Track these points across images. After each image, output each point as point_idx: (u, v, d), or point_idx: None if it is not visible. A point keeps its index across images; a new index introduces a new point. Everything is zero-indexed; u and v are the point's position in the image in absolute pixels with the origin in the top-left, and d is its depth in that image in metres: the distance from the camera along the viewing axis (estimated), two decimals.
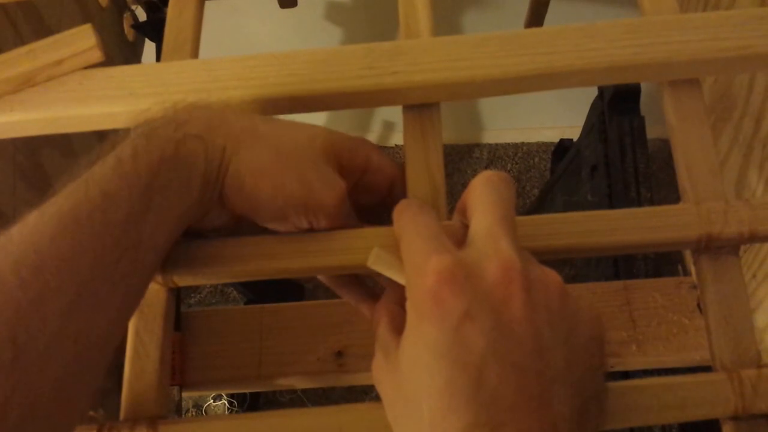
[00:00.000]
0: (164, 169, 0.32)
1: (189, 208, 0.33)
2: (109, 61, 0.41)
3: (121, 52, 0.78)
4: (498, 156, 1.55)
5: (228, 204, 0.34)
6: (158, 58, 0.45)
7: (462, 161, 1.55)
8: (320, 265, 0.35)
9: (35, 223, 0.29)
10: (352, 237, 0.36)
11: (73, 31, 0.41)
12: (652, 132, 0.76)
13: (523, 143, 1.56)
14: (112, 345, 0.31)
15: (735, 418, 0.33)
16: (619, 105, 0.78)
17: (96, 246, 0.29)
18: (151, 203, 0.31)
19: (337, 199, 0.34)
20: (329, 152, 0.35)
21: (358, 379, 0.41)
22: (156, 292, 0.37)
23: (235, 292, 1.38)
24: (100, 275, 0.29)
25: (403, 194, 0.37)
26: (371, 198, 0.38)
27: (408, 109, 0.40)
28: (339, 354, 0.41)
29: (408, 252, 0.30)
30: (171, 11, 0.45)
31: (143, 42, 0.84)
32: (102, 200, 0.30)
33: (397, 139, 1.54)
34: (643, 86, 0.77)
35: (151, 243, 0.32)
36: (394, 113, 0.40)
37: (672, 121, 0.39)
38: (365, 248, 0.35)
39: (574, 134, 0.93)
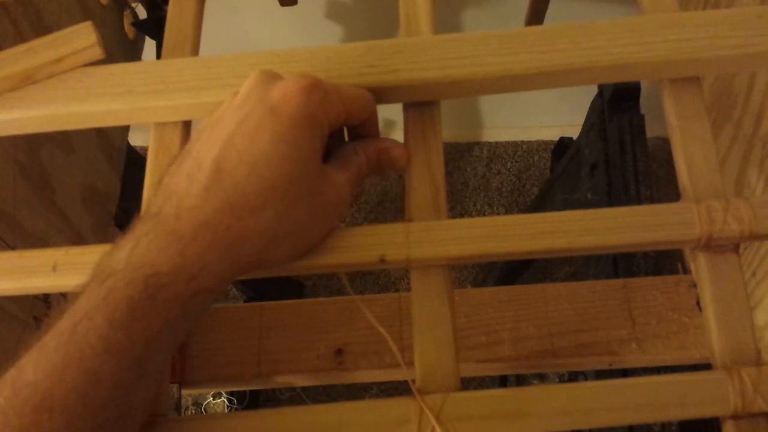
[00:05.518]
0: (166, 332, 0.28)
1: None
2: (109, 58, 0.41)
3: (121, 49, 0.77)
4: (498, 154, 1.55)
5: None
6: (158, 56, 0.45)
7: (462, 159, 1.55)
8: (323, 263, 0.35)
9: (6, 407, 0.25)
10: (353, 235, 0.36)
11: (74, 28, 0.41)
12: (651, 130, 0.76)
13: (523, 141, 1.56)
14: None
15: (735, 416, 0.33)
16: (618, 103, 0.78)
17: None
18: (144, 371, 0.27)
19: (348, 199, 0.36)
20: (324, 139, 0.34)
21: (357, 377, 0.41)
22: None
23: (234, 290, 1.38)
24: None
25: (374, 130, 0.38)
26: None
27: (408, 107, 0.40)
28: (339, 352, 0.41)
29: None
30: (171, 9, 0.45)
31: (143, 40, 0.84)
32: (82, 382, 0.26)
33: (397, 137, 1.53)
34: (643, 84, 0.77)
35: (142, 405, 0.29)
36: (394, 111, 0.40)
37: (672, 119, 0.39)
38: (367, 246, 0.35)
39: (574, 132, 0.93)
